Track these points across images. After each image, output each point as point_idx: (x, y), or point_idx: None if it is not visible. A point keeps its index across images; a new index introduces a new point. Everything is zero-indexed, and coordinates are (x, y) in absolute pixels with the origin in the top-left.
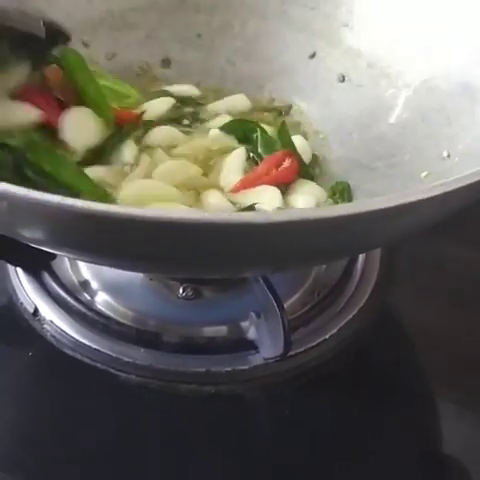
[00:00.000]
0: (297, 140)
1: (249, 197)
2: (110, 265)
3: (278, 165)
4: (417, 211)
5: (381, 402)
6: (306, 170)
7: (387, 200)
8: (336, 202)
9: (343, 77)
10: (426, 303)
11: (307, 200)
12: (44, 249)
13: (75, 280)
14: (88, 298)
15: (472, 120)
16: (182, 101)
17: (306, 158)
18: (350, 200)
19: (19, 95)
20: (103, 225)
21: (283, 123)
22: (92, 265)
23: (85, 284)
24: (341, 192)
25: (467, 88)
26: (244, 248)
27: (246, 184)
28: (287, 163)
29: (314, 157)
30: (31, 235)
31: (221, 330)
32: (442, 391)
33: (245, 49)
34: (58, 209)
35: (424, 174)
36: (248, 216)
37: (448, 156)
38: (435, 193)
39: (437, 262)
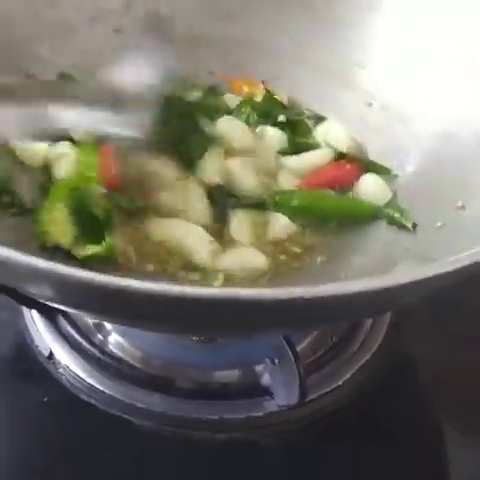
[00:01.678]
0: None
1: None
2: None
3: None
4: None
5: (395, 448)
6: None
7: (391, 279)
8: (400, 222)
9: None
10: (439, 347)
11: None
12: None
13: (89, 321)
14: (101, 339)
15: None
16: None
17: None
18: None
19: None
20: (123, 299)
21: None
22: None
23: (99, 325)
24: (401, 213)
25: None
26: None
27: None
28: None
29: None
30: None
31: (235, 375)
32: (457, 437)
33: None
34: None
35: (439, 224)
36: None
37: (463, 207)
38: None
39: (451, 305)
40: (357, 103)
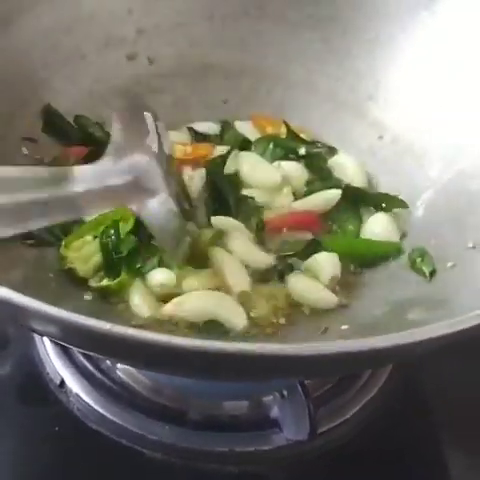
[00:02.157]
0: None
1: None
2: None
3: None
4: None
5: None
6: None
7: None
8: (420, 270)
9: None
10: (447, 377)
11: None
12: None
13: None
14: (112, 368)
15: None
16: None
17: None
18: (433, 266)
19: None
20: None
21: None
22: None
23: None
24: (423, 259)
25: None
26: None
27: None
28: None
29: None
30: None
31: (244, 406)
32: (464, 474)
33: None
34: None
35: (450, 264)
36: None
37: (473, 247)
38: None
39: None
40: (368, 136)
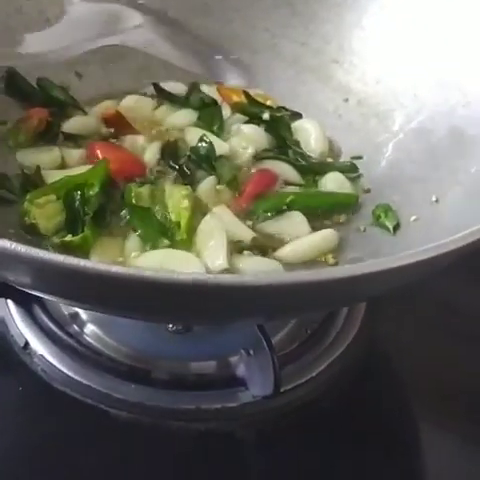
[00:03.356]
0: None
1: None
2: (94, 310)
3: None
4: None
5: (369, 437)
6: None
7: (370, 265)
8: (384, 225)
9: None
10: (413, 336)
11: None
12: None
13: (65, 312)
14: (77, 330)
15: (460, 164)
16: None
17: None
18: (396, 220)
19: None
20: (107, 285)
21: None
22: None
23: (75, 316)
24: (386, 214)
25: (454, 131)
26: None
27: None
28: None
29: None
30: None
31: (210, 366)
32: (432, 427)
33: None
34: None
35: (413, 218)
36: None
37: (437, 201)
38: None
39: (424, 294)
40: (333, 99)
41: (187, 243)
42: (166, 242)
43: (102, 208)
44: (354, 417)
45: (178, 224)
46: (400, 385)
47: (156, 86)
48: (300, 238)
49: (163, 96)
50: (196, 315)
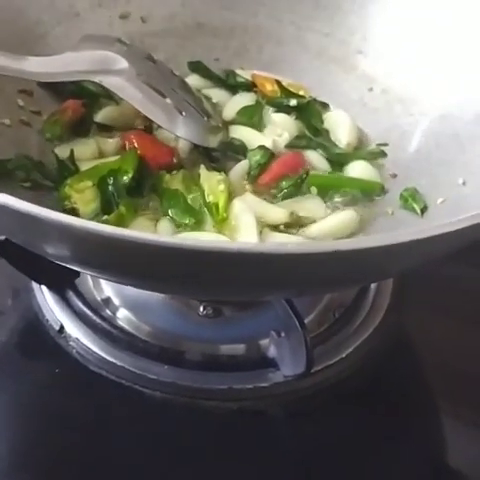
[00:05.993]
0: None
1: None
2: (135, 286)
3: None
4: (429, 246)
5: (396, 418)
6: None
7: (396, 236)
8: (411, 207)
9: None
10: (440, 322)
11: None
12: (68, 267)
13: (98, 297)
14: (110, 314)
15: None
16: None
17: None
18: (424, 203)
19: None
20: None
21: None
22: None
23: (107, 301)
24: (413, 197)
25: None
26: (269, 275)
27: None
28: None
29: None
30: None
31: (241, 348)
32: (454, 409)
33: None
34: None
35: (440, 200)
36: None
37: (463, 183)
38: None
39: (451, 281)
40: (358, 88)
41: (226, 222)
42: (193, 220)
43: (136, 191)
44: (381, 397)
45: (216, 205)
46: (426, 367)
47: (192, 64)
48: (325, 218)
49: (200, 73)
50: (242, 286)
